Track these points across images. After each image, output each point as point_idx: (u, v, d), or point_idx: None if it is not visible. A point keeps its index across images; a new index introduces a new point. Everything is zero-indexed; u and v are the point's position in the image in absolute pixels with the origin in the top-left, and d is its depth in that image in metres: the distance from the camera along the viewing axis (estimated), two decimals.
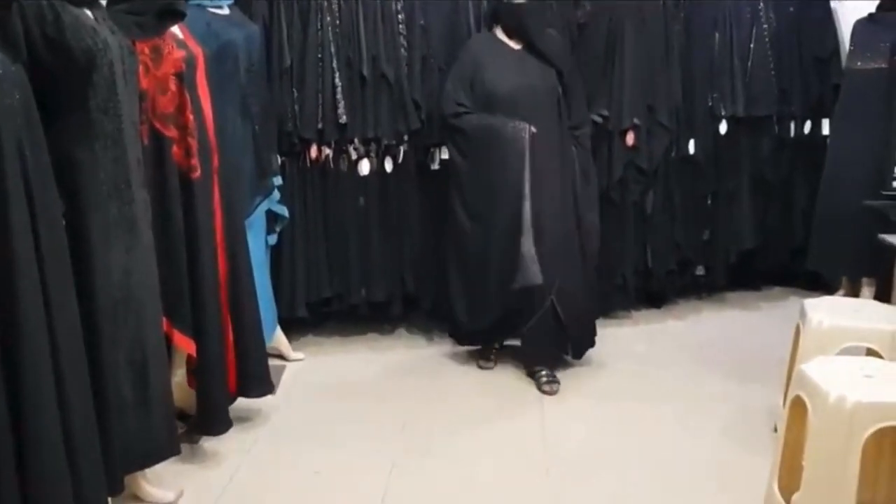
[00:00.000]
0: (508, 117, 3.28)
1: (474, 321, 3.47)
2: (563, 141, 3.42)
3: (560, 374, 3.41)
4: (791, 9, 4.24)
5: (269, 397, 3.00)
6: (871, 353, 2.60)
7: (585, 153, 3.53)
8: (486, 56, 3.40)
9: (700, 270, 4.39)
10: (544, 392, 3.31)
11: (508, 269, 3.25)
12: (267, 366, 2.97)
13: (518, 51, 3.42)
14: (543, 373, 3.37)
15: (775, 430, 2.72)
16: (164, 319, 2.43)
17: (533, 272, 3.21)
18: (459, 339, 3.66)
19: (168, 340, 2.50)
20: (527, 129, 3.23)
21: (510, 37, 3.43)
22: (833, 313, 2.71)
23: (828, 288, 4.30)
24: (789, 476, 2.23)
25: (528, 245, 3.22)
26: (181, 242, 2.54)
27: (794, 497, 2.13)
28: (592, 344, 3.58)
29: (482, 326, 3.47)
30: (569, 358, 3.56)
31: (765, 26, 4.17)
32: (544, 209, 3.27)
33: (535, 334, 3.39)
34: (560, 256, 3.34)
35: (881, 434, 2.09)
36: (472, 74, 3.36)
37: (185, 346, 2.59)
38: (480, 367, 3.56)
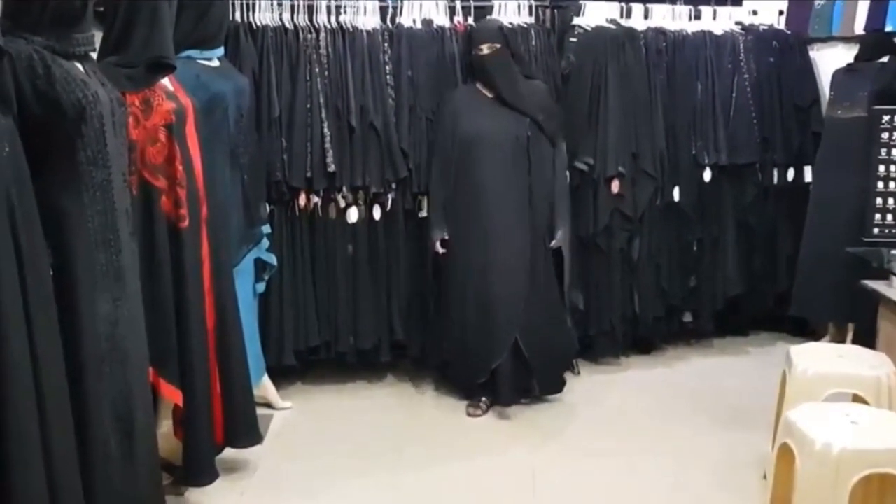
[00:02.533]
0: (479, 158, 3.50)
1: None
2: (531, 184, 3.53)
3: (548, 421, 3.40)
4: (771, 59, 4.33)
5: (256, 447, 2.97)
6: (857, 399, 2.61)
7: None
8: (462, 105, 3.59)
9: (688, 317, 4.41)
10: (469, 414, 3.53)
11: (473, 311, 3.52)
12: (255, 415, 2.95)
13: (491, 99, 3.57)
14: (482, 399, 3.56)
15: (764, 477, 2.71)
16: (151, 369, 2.42)
17: None
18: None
19: (154, 391, 2.48)
20: (435, 244, 3.59)
21: (485, 86, 3.58)
22: (818, 360, 2.73)
23: (815, 333, 4.33)
24: None
25: None
26: (169, 292, 2.54)
27: None
28: (561, 386, 3.69)
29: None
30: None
31: (745, 76, 4.26)
32: (499, 254, 3.46)
33: (500, 373, 3.49)
34: (522, 298, 3.48)
35: (868, 481, 2.10)
36: (452, 125, 3.56)
37: (172, 396, 2.57)
38: (469, 415, 3.54)
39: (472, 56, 3.59)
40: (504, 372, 3.48)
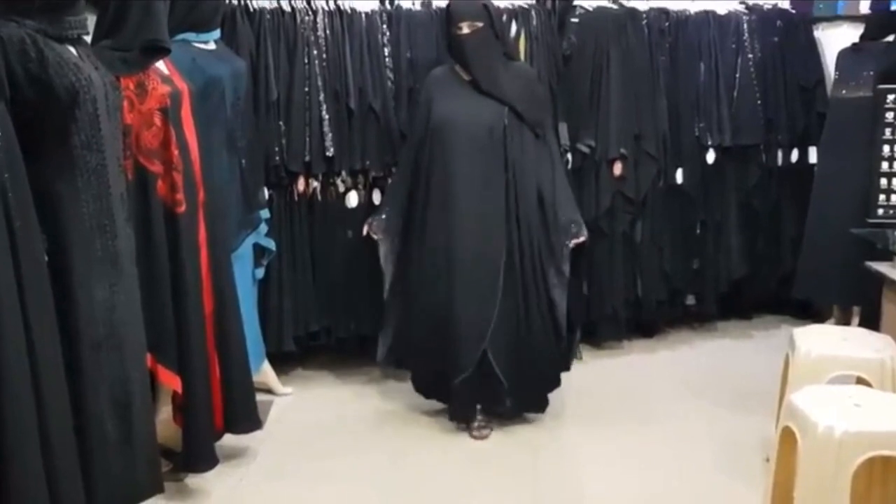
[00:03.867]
0: (450, 149, 3.15)
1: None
2: (508, 180, 3.16)
3: (550, 406, 3.38)
4: (775, 38, 4.29)
5: (256, 433, 2.97)
6: (860, 381, 2.58)
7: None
8: (438, 90, 3.27)
9: (690, 300, 4.39)
10: (474, 437, 3.17)
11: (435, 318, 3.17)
12: (254, 401, 2.94)
13: (468, 83, 3.22)
14: (478, 417, 3.22)
15: (767, 460, 2.69)
16: (149, 355, 2.41)
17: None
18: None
19: (153, 377, 2.47)
20: (367, 225, 3.32)
21: (463, 68, 3.24)
22: (821, 342, 2.70)
23: (819, 316, 4.30)
24: None
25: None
26: (166, 277, 2.52)
27: None
28: (542, 405, 3.33)
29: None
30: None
31: (749, 56, 4.22)
32: (469, 256, 3.12)
33: (465, 389, 3.14)
34: (493, 306, 3.11)
35: (871, 464, 2.08)
36: (426, 110, 3.26)
37: (171, 382, 2.56)
38: (475, 439, 3.19)
39: (450, 35, 3.23)
40: (465, 387, 3.13)
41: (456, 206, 3.14)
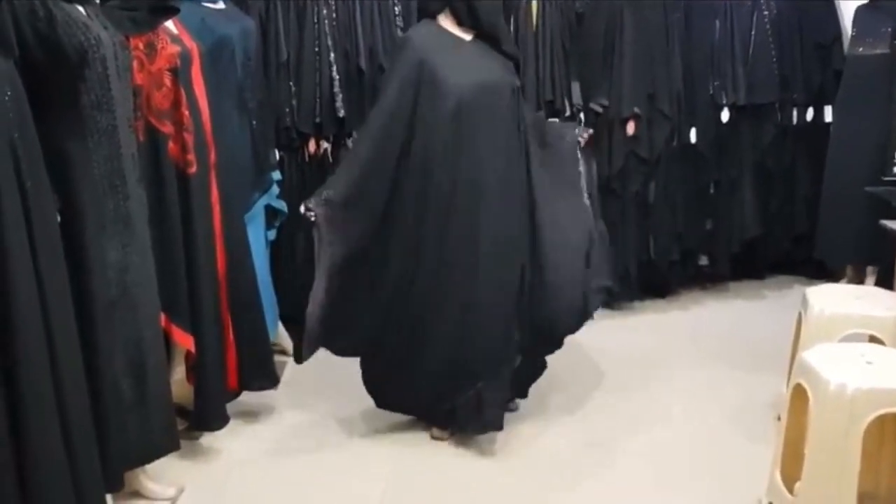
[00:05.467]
0: (472, 130, 2.61)
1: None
2: (524, 144, 2.74)
3: (561, 365, 3.39)
4: None
5: (271, 392, 2.99)
6: (873, 339, 2.58)
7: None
8: (433, 54, 2.62)
9: (703, 260, 4.39)
10: (434, 437, 2.89)
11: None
12: (271, 359, 2.96)
13: (470, 42, 2.68)
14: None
15: (778, 418, 2.70)
16: (163, 315, 2.43)
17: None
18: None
19: (167, 336, 2.49)
20: (309, 205, 2.69)
21: (460, 24, 2.67)
22: (835, 301, 2.69)
23: (832, 275, 4.28)
24: (792, 464, 2.22)
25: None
26: (178, 238, 2.53)
27: (797, 486, 2.12)
28: (524, 393, 3.05)
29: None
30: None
31: (765, 13, 4.16)
32: (500, 235, 2.66)
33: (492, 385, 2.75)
34: (513, 305, 2.73)
35: (882, 421, 2.08)
36: (417, 83, 2.61)
37: (184, 341, 2.58)
38: (435, 438, 2.90)
39: None
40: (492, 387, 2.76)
41: (484, 188, 2.63)
